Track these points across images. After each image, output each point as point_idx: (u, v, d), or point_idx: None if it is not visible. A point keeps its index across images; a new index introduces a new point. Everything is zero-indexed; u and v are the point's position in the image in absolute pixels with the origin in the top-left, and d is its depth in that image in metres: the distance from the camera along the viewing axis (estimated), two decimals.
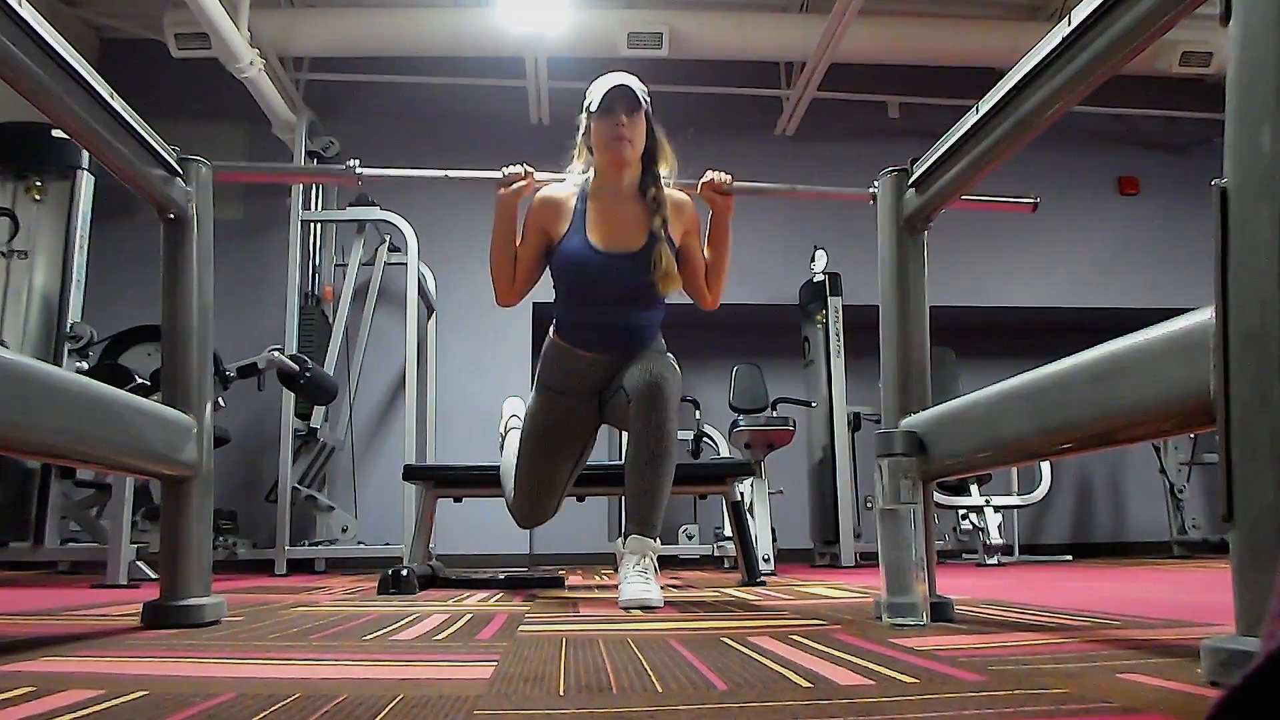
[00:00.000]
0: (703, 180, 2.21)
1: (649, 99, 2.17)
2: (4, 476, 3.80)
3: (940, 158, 1.63)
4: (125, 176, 1.56)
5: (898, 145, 4.79)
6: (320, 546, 4.74)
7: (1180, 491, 5.38)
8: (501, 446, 2.75)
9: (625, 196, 2.21)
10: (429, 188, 5.57)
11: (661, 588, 2.07)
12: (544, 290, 2.34)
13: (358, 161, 2.14)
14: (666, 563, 4.78)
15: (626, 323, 2.22)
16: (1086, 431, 1.14)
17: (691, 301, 2.35)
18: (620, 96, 2.12)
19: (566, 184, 2.27)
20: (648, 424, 2.05)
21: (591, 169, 2.24)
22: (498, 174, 2.19)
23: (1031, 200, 2.12)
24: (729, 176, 2.20)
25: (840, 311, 5.00)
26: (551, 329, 2.31)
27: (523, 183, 2.18)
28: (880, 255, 1.81)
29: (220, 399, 3.74)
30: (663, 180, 2.22)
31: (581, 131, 2.25)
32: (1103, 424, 1.10)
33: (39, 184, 4.14)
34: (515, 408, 2.86)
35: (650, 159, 2.22)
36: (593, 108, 2.14)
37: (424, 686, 0.93)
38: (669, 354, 2.28)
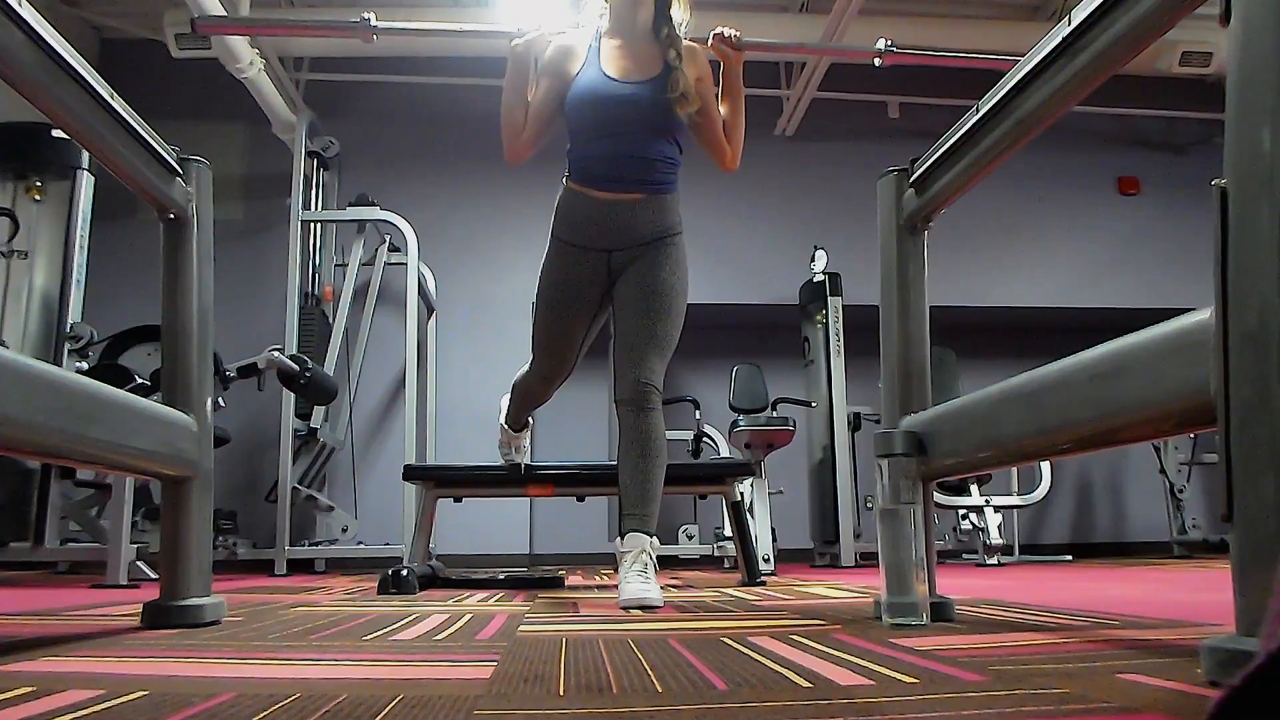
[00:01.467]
0: (713, 33, 2.24)
1: None
2: (4, 476, 3.80)
3: (940, 158, 1.63)
4: (125, 176, 1.56)
5: (898, 145, 4.80)
6: (320, 546, 4.74)
7: (1180, 491, 5.38)
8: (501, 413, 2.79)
9: (639, 35, 2.25)
10: (429, 188, 5.57)
11: (661, 588, 2.08)
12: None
13: (372, 15, 2.17)
14: (666, 563, 4.78)
15: (643, 152, 2.19)
16: (1086, 431, 1.14)
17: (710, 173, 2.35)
18: None
19: (580, 33, 2.30)
20: (637, 422, 2.11)
21: (606, 14, 2.27)
22: (512, 30, 2.22)
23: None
24: (739, 31, 2.24)
25: (840, 311, 5.00)
26: (565, 178, 2.28)
27: (536, 32, 2.22)
28: (880, 255, 1.81)
29: (220, 399, 3.74)
30: (675, 24, 2.26)
31: None
32: (1103, 424, 1.10)
33: (39, 184, 4.14)
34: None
35: (664, 3, 2.25)
36: None
37: (424, 686, 0.93)
38: (682, 236, 2.27)
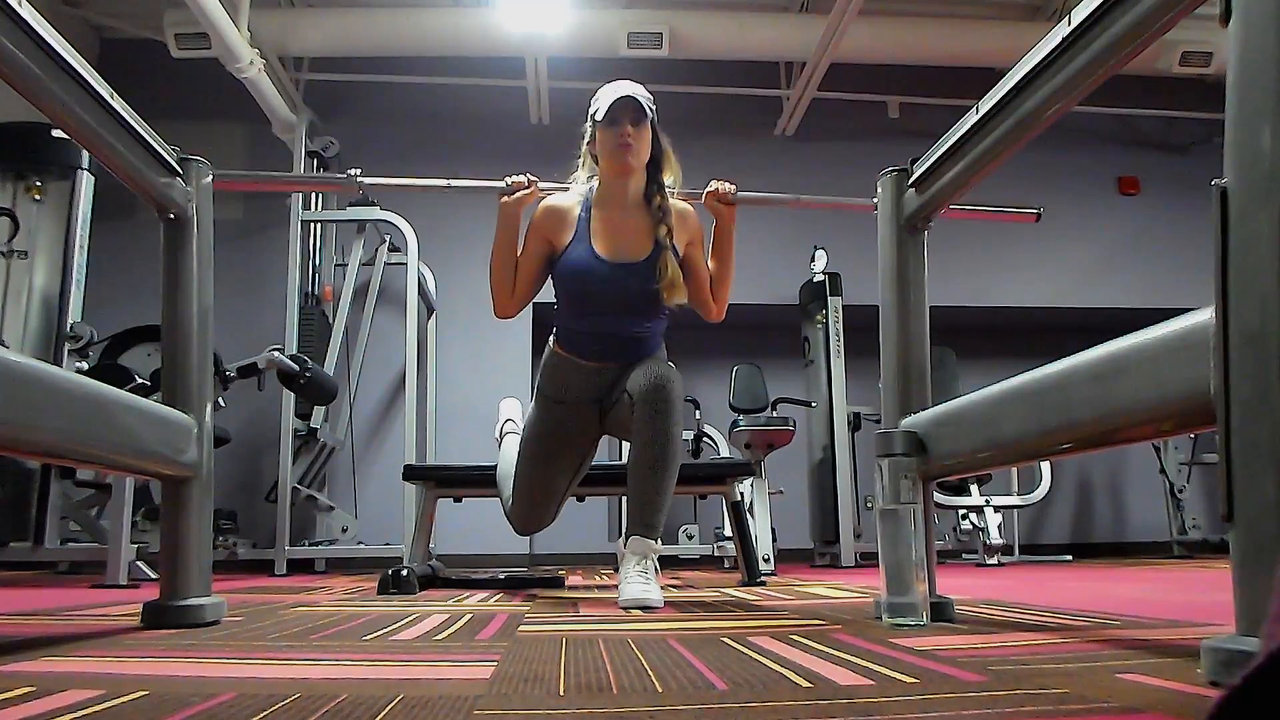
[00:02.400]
0: (707, 190, 2.21)
1: (654, 108, 2.16)
2: (4, 476, 3.80)
3: (940, 158, 1.63)
4: (125, 176, 1.56)
5: (898, 145, 4.80)
6: (320, 546, 4.74)
7: (1180, 491, 5.38)
8: (499, 446, 2.75)
9: (630, 205, 2.20)
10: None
11: (661, 588, 2.08)
12: (544, 291, 2.34)
13: (359, 171, 2.15)
14: (666, 563, 4.78)
15: (630, 333, 2.20)
16: (1086, 431, 1.14)
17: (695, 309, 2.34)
18: (626, 106, 2.11)
19: (570, 193, 2.26)
20: (652, 426, 2.04)
21: (596, 178, 2.24)
22: (501, 183, 2.18)
23: (1035, 210, 2.12)
24: (733, 186, 2.21)
25: (840, 311, 5.00)
26: (552, 339, 2.30)
27: (525, 191, 2.17)
28: (880, 255, 1.81)
29: (220, 399, 3.74)
30: (667, 190, 2.22)
31: (586, 140, 2.24)
32: (1103, 424, 1.10)
33: (39, 184, 4.14)
34: (511, 410, 2.86)
35: (655, 167, 2.21)
36: (599, 116, 2.13)
37: (424, 686, 0.93)
38: (670, 363, 2.26)
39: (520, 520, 2.44)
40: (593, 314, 2.19)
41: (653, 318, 2.22)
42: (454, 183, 2.25)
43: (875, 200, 1.88)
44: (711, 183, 2.21)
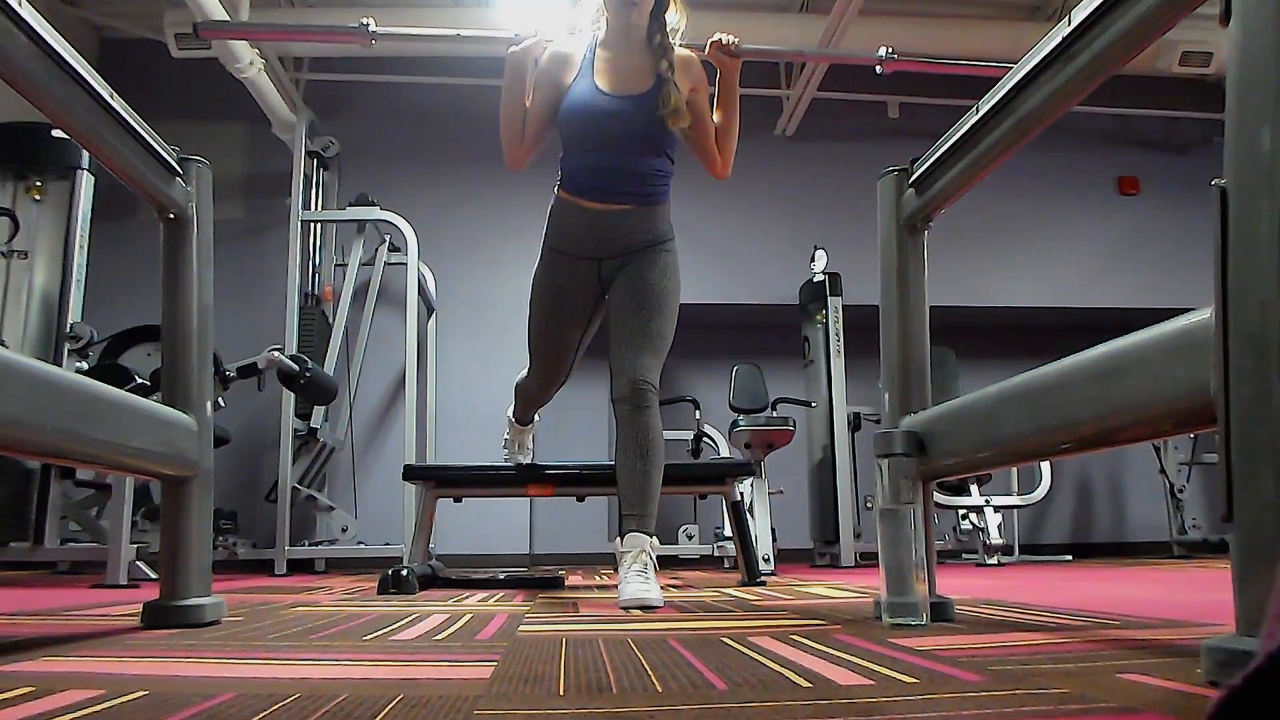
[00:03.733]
0: (710, 40, 2.24)
1: None
2: (4, 476, 3.80)
3: (940, 158, 1.63)
4: (125, 176, 1.56)
5: (898, 145, 4.81)
6: (320, 546, 4.74)
7: (1180, 491, 5.38)
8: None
9: (634, 46, 2.24)
10: (429, 188, 5.57)
11: (661, 587, 2.08)
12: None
13: (370, 21, 2.18)
14: (666, 563, 4.78)
15: (633, 166, 2.21)
16: (1086, 431, 1.14)
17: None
18: None
19: (576, 39, 2.30)
20: (634, 421, 2.12)
21: (602, 21, 2.27)
22: (510, 34, 2.24)
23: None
24: (737, 38, 2.23)
25: (840, 311, 5.00)
26: (556, 186, 2.29)
27: (533, 39, 2.22)
28: (880, 255, 1.81)
29: (220, 399, 3.74)
30: (669, 32, 2.25)
31: None
32: (1103, 424, 1.10)
33: (39, 184, 4.14)
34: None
35: (659, 8, 2.24)
36: None
37: (424, 686, 0.93)
38: (674, 242, 2.29)
39: (537, 379, 2.50)
40: (596, 148, 2.21)
41: (656, 153, 2.23)
42: (463, 32, 2.43)
43: (878, 56, 1.87)
44: (716, 33, 2.24)
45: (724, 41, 2.22)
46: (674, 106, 2.17)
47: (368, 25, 2.16)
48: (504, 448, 2.94)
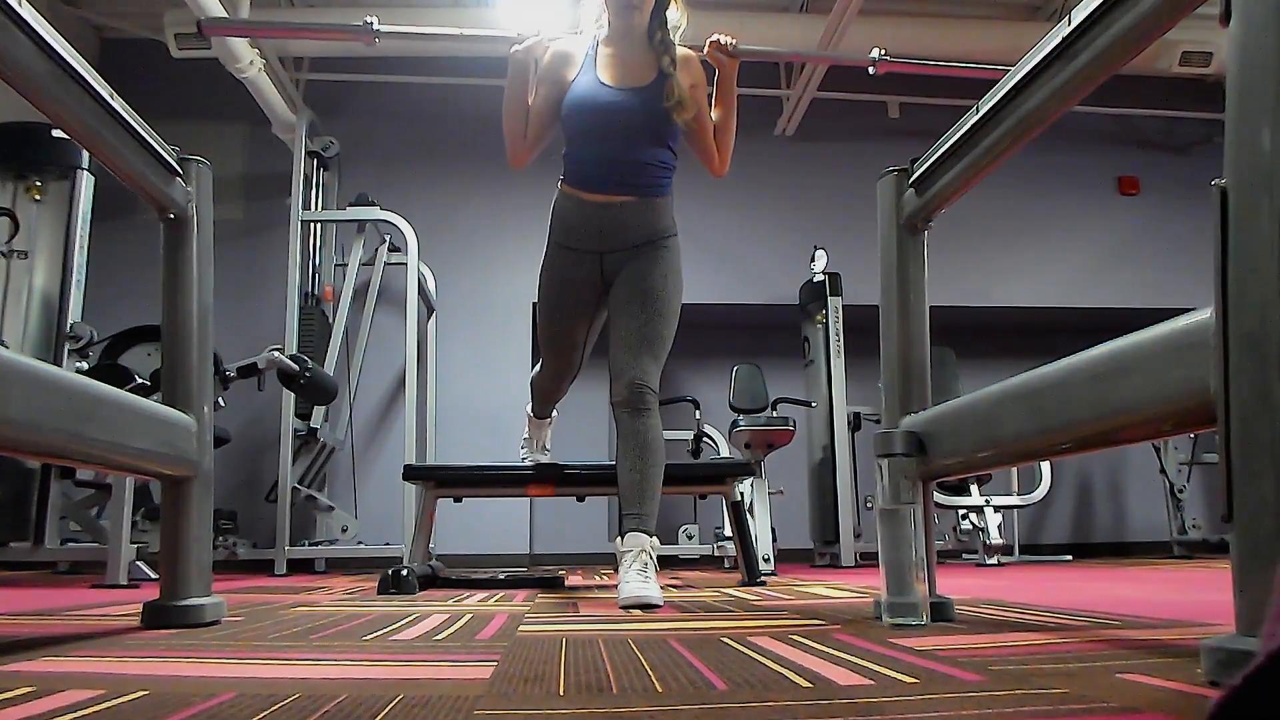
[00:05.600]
0: (709, 40, 2.25)
1: None
2: (4, 476, 3.80)
3: (940, 158, 1.63)
4: (125, 176, 1.56)
5: (898, 145, 4.80)
6: (320, 546, 4.74)
7: (1180, 491, 5.38)
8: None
9: (635, 42, 2.27)
10: (429, 188, 5.57)
11: (661, 587, 2.08)
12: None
13: (375, 20, 2.19)
14: (666, 563, 4.78)
15: (635, 157, 2.22)
16: (1086, 431, 1.14)
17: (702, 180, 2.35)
18: None
19: (577, 38, 2.33)
20: (634, 423, 2.14)
21: (604, 21, 2.29)
22: (512, 34, 2.26)
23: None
24: (735, 39, 2.25)
25: (840, 311, 5.00)
26: (560, 181, 2.31)
27: (535, 39, 2.24)
28: (880, 255, 1.81)
29: (220, 399, 3.74)
30: (671, 29, 2.27)
31: None
32: (1103, 424, 1.10)
33: (39, 184, 4.14)
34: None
35: (660, 8, 2.26)
36: None
37: (424, 686, 0.93)
38: (676, 239, 2.30)
39: (549, 372, 2.53)
40: (599, 140, 2.22)
41: (659, 144, 2.24)
42: (466, 31, 2.42)
43: (870, 57, 1.88)
44: (714, 34, 2.26)
45: (722, 42, 2.24)
46: (679, 99, 2.19)
47: (372, 24, 2.17)
48: (522, 447, 2.96)
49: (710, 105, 2.33)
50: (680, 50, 2.28)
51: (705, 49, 2.25)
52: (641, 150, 2.22)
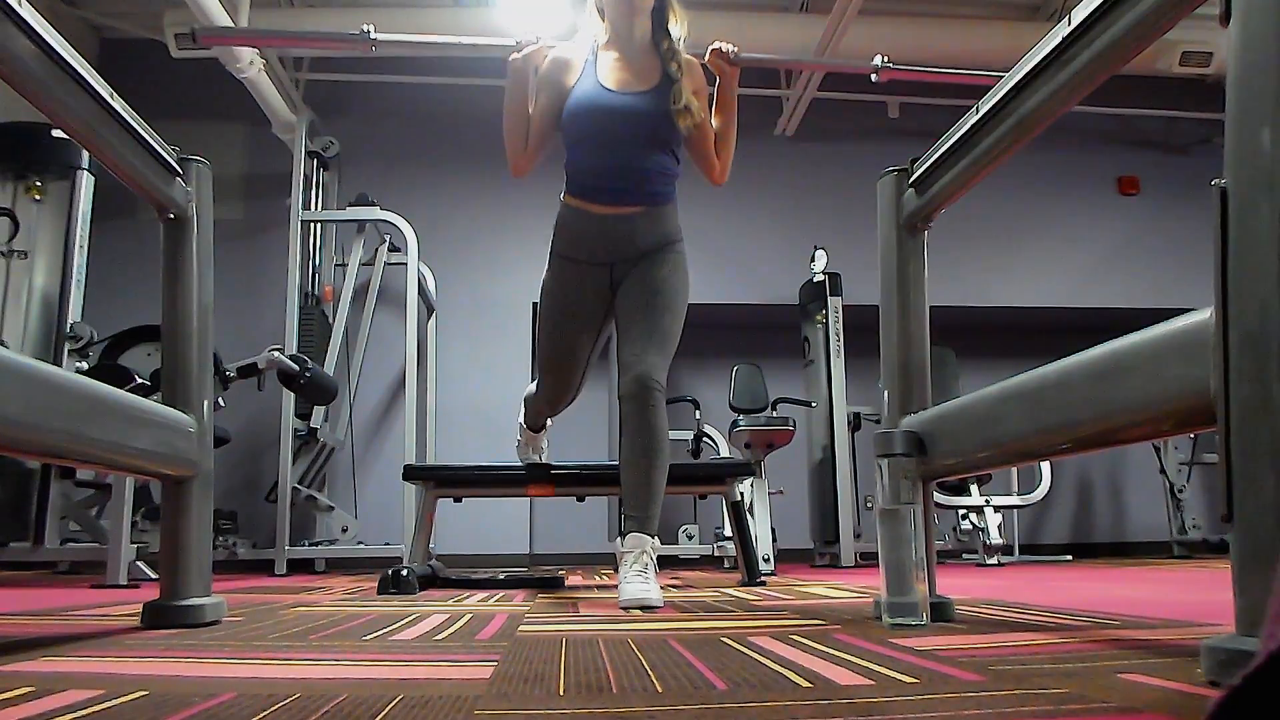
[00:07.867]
0: (710, 48, 2.23)
1: None
2: (4, 476, 3.80)
3: (940, 158, 1.63)
4: (125, 176, 1.56)
5: (898, 145, 4.80)
6: (320, 546, 4.74)
7: (1180, 491, 5.38)
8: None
9: (637, 47, 2.25)
10: (429, 188, 5.57)
11: (661, 588, 2.08)
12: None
13: (372, 27, 2.18)
14: (666, 563, 4.78)
15: (640, 164, 2.20)
16: (1086, 431, 1.14)
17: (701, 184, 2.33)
18: None
19: (577, 45, 2.31)
20: (640, 421, 2.10)
21: (604, 26, 2.27)
22: (511, 43, 2.24)
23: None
24: (736, 47, 2.23)
25: (840, 311, 5.00)
26: (563, 193, 2.28)
27: (534, 47, 2.22)
28: (880, 255, 1.81)
29: (220, 399, 3.74)
30: (674, 40, 2.26)
31: None
32: (1103, 424, 1.10)
33: (39, 184, 4.14)
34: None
35: (661, 15, 2.25)
36: None
37: (424, 686, 0.93)
38: (682, 243, 2.28)
39: (546, 394, 2.47)
40: (602, 147, 2.20)
41: (663, 151, 2.22)
42: (464, 39, 2.38)
43: (873, 65, 1.87)
44: (715, 42, 2.24)
45: (724, 49, 2.21)
46: (685, 103, 2.17)
47: (368, 32, 2.16)
48: (518, 450, 2.94)
49: (710, 112, 2.31)
50: (684, 56, 2.26)
51: (706, 56, 2.24)
52: (645, 156, 2.19)
